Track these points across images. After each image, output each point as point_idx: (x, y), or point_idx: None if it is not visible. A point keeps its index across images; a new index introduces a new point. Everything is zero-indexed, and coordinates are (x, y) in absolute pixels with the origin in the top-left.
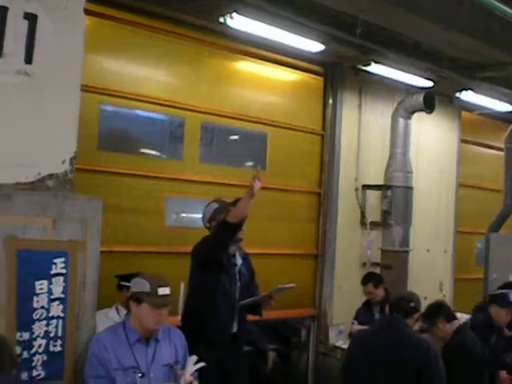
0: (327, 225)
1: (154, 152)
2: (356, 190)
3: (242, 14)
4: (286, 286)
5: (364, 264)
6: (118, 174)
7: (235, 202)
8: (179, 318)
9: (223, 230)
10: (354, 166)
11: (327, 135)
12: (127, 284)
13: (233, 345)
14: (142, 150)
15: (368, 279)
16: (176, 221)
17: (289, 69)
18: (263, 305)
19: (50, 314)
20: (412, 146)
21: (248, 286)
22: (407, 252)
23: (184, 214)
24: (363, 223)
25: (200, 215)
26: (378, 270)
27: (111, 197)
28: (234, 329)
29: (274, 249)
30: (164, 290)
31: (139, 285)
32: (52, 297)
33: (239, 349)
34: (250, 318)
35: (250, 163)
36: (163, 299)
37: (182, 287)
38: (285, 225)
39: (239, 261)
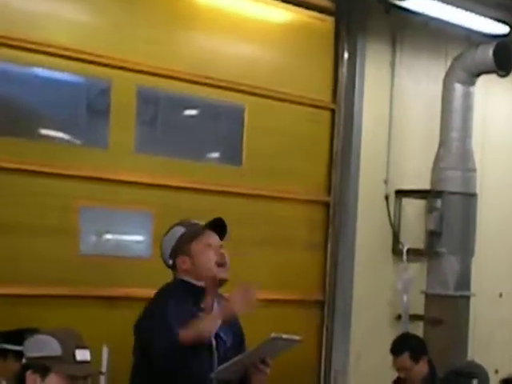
0: (339, 254)
1: (60, 135)
2: (386, 198)
3: None
4: (284, 336)
5: (398, 317)
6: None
7: (213, 224)
8: None
9: (170, 354)
10: (382, 159)
11: (340, 111)
12: (15, 348)
13: None
14: (42, 132)
15: (403, 346)
16: (97, 246)
17: (280, 3)
18: (253, 378)
19: None
20: (476, 128)
21: (228, 358)
22: (467, 298)
23: (109, 236)
24: (397, 252)
25: (135, 237)
26: (420, 328)
27: None
28: None
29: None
30: (84, 354)
31: (43, 346)
32: None
33: None
34: None
35: (215, 154)
36: (83, 367)
37: (105, 353)
38: (272, 254)
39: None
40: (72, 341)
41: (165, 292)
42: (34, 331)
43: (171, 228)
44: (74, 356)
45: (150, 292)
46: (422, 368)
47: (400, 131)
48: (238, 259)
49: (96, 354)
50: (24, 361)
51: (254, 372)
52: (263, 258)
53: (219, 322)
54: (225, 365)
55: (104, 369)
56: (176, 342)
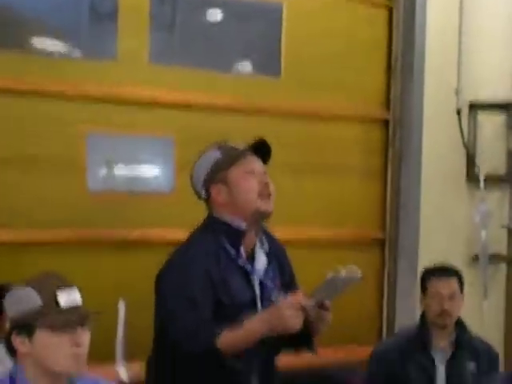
0: (402, 182)
1: (59, 46)
2: (458, 112)
3: None
4: (343, 275)
5: (475, 257)
6: None
7: (255, 146)
8: (119, 367)
9: (208, 360)
10: (452, 65)
11: (399, 7)
12: None
13: None
14: (37, 43)
15: (452, 270)
16: (108, 180)
17: None
18: (313, 327)
19: None
20: None
21: None
22: None
23: (122, 168)
24: (472, 178)
25: (153, 168)
26: (502, 270)
27: None
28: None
29: (301, 230)
30: (69, 297)
31: (20, 301)
32: None
33: None
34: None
35: (247, 64)
36: (72, 313)
37: (122, 307)
38: (320, 184)
39: (261, 261)
40: (51, 284)
41: (189, 245)
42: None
43: (204, 152)
44: (56, 302)
45: (172, 233)
46: (461, 303)
47: (473, 30)
48: (279, 190)
49: (109, 308)
50: (8, 323)
51: (313, 320)
52: (309, 190)
53: (263, 333)
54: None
55: (121, 325)
56: (209, 347)
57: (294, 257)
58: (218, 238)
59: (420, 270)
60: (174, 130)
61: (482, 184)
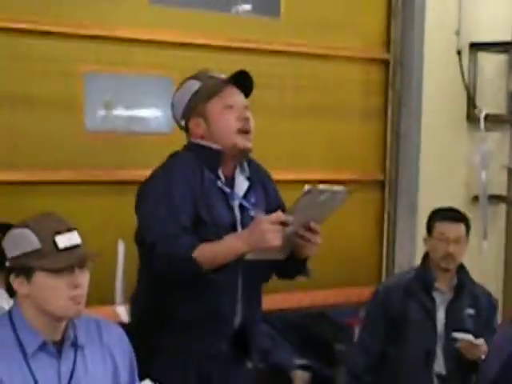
0: (402, 123)
1: None
2: (458, 52)
3: None
4: (321, 187)
5: (475, 198)
6: None
7: (237, 78)
8: (118, 308)
9: (182, 269)
10: (453, 5)
11: None
12: None
13: (232, 354)
14: None
15: (461, 215)
16: (106, 120)
17: None
18: (300, 252)
19: None
20: None
21: None
22: None
23: (120, 107)
24: (472, 118)
25: (152, 107)
26: (501, 211)
27: None
28: (237, 320)
29: (301, 171)
30: (68, 238)
31: (18, 242)
32: None
33: (242, 363)
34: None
35: (246, 3)
36: (71, 255)
37: (121, 248)
38: (320, 125)
39: (240, 186)
40: (49, 226)
41: (174, 161)
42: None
43: (184, 82)
44: (55, 244)
45: None
46: (465, 248)
47: None
48: (277, 132)
49: (109, 249)
50: (7, 263)
51: (301, 244)
52: (308, 131)
53: (242, 249)
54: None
55: (120, 265)
56: (184, 255)
57: (294, 198)
58: (197, 159)
59: (420, 211)
60: (173, 70)
61: (482, 124)
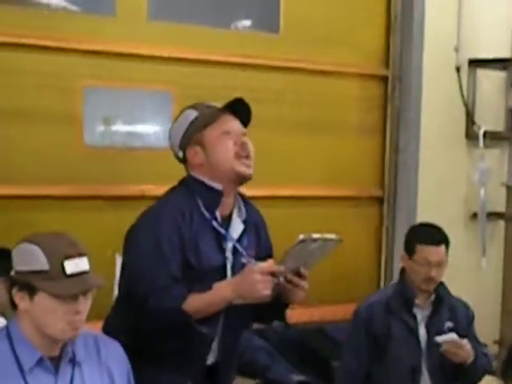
0: (401, 139)
1: (56, 0)
2: (457, 69)
3: None
4: (315, 236)
5: (474, 215)
6: None
7: (233, 105)
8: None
9: (172, 321)
10: (452, 22)
11: None
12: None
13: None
14: None
15: (441, 235)
16: (104, 135)
17: None
18: (287, 296)
19: None
20: None
21: None
22: None
23: (119, 123)
24: (471, 135)
25: (151, 123)
26: (500, 228)
27: None
28: (211, 359)
29: (299, 188)
30: (77, 264)
31: (28, 258)
32: None
33: None
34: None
35: (246, 19)
36: (77, 282)
37: (119, 262)
38: (319, 140)
39: (236, 228)
40: (60, 249)
41: (163, 204)
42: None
43: (182, 112)
44: (63, 269)
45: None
46: (445, 268)
47: None
48: (275, 148)
49: (107, 263)
50: (12, 273)
51: (288, 288)
52: (308, 146)
53: (231, 297)
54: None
55: (117, 280)
56: (175, 308)
57: (293, 214)
58: (193, 197)
59: None
60: (172, 86)
61: (481, 141)
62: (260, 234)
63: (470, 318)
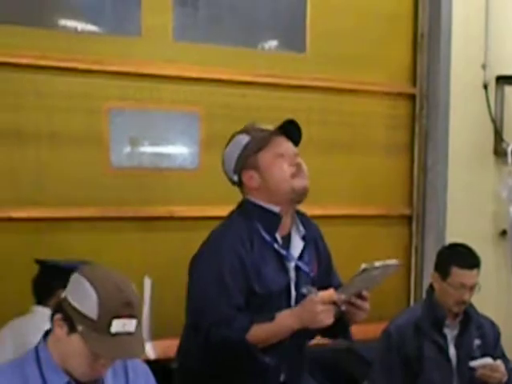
0: (429, 158)
1: (83, 23)
2: (485, 86)
3: None
4: (377, 264)
5: (503, 232)
6: (12, 65)
7: (284, 127)
8: (146, 346)
9: (236, 351)
10: (479, 39)
11: None
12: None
13: None
14: (60, 19)
15: (477, 259)
16: (131, 156)
17: None
18: (350, 317)
19: None
20: None
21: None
22: None
23: (146, 144)
24: (500, 152)
25: (178, 144)
26: None
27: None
28: (282, 377)
29: (328, 207)
30: (124, 324)
31: (81, 297)
32: None
33: None
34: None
35: (272, 39)
36: (118, 343)
37: (148, 285)
38: (346, 160)
39: (297, 246)
40: (115, 306)
41: (222, 232)
42: (76, 265)
43: (233, 137)
44: (109, 326)
45: (197, 210)
46: None
47: (500, 3)
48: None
49: (135, 285)
50: (63, 295)
51: (351, 311)
52: (335, 166)
53: (294, 327)
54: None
55: (146, 303)
56: (238, 339)
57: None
58: (252, 222)
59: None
60: (199, 106)
61: (509, 158)
62: (319, 246)
63: (497, 335)
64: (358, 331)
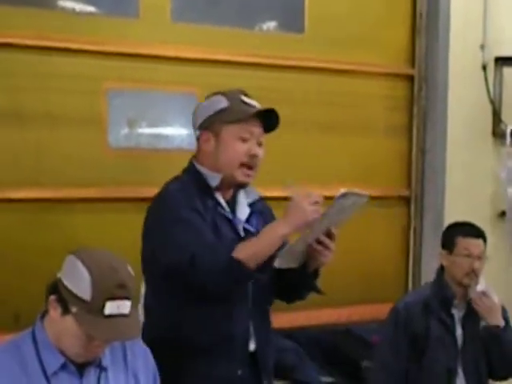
0: (428, 139)
1: (80, 3)
2: (483, 67)
3: None
4: (356, 191)
5: (502, 214)
6: (10, 46)
7: (264, 114)
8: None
9: (232, 279)
10: (477, 19)
11: None
12: None
13: (251, 375)
14: (58, 1)
15: (480, 230)
16: (130, 137)
17: None
18: (316, 259)
19: None
20: None
21: None
22: None
23: (144, 124)
24: (498, 133)
25: (176, 124)
26: None
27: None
28: (252, 345)
29: (326, 188)
30: (118, 306)
31: (75, 279)
32: None
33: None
34: (283, 323)
35: (270, 20)
36: (112, 325)
37: None
38: (345, 140)
39: (243, 212)
40: (108, 287)
41: (175, 187)
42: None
43: (213, 95)
44: (102, 308)
45: None
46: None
47: None
48: (301, 148)
49: (135, 266)
50: (58, 276)
51: (317, 250)
52: (333, 146)
53: (286, 232)
54: (287, 247)
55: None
56: (226, 258)
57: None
58: (197, 185)
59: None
60: (196, 87)
61: (508, 140)
62: (267, 219)
63: (504, 316)
64: (354, 313)
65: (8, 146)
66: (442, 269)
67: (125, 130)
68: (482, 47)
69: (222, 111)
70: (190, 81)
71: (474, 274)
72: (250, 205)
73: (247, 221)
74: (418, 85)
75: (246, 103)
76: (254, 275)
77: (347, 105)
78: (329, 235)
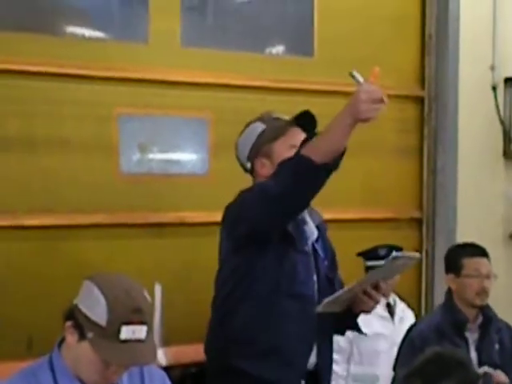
0: (439, 160)
1: (90, 29)
2: (493, 88)
3: None
4: (406, 254)
5: None
6: (21, 72)
7: (300, 118)
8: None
9: (301, 175)
10: (487, 40)
11: None
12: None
13: None
14: (67, 26)
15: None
16: (141, 162)
17: None
18: (359, 307)
19: None
20: None
21: (330, 279)
22: None
23: (155, 150)
24: (509, 154)
25: (187, 149)
26: None
27: (9, 120)
28: (312, 362)
29: (338, 210)
30: (134, 331)
31: (91, 304)
32: None
33: None
34: None
35: (280, 44)
36: (128, 350)
37: (158, 291)
38: (355, 163)
39: (313, 232)
40: (124, 312)
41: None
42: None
43: (249, 124)
44: (118, 332)
45: (207, 216)
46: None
47: (508, 5)
48: None
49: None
50: (74, 301)
51: (362, 300)
52: (344, 168)
53: (348, 120)
54: (333, 296)
55: (157, 309)
56: (304, 157)
57: (332, 237)
58: None
59: None
60: (207, 112)
61: None
62: (325, 236)
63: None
64: None
65: (20, 172)
66: (450, 292)
67: (136, 156)
68: (492, 68)
69: (262, 133)
70: (200, 105)
71: (485, 293)
72: (317, 227)
73: (316, 241)
74: (428, 106)
75: (278, 118)
76: (320, 169)
77: (357, 127)
78: (376, 287)
